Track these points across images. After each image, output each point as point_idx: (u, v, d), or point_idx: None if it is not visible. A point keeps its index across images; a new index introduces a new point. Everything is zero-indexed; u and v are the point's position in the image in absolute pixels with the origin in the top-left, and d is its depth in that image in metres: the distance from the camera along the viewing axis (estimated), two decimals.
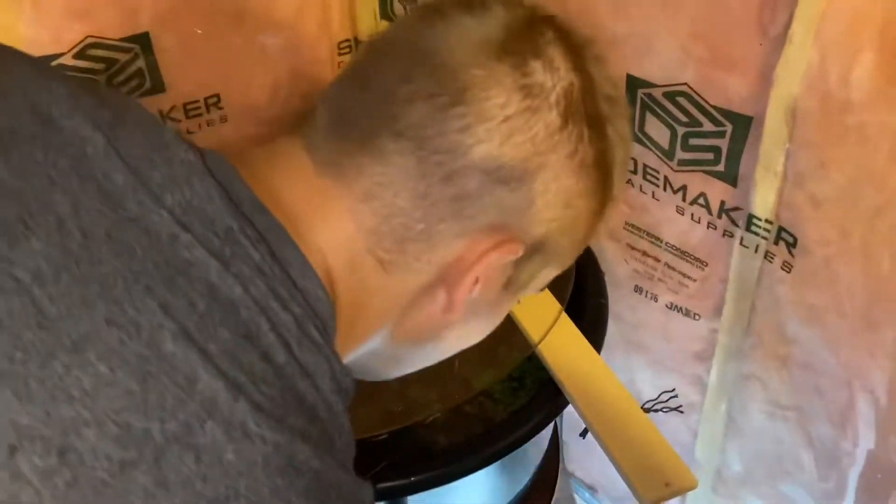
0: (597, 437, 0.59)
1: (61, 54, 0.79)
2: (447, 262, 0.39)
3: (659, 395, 0.64)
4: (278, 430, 0.31)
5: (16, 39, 0.77)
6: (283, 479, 0.31)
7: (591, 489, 1.10)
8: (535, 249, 0.41)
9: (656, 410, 0.62)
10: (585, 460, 1.08)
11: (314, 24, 0.98)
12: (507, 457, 0.63)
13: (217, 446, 0.29)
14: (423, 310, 0.41)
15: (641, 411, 0.60)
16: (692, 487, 0.55)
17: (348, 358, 0.41)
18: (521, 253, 0.40)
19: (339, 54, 1.02)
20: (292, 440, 0.31)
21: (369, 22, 1.02)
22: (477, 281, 0.40)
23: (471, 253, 0.39)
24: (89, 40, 0.81)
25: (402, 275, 0.39)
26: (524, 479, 0.79)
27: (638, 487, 0.55)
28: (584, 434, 0.60)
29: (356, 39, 1.03)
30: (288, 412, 0.32)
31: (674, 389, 0.73)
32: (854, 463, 0.70)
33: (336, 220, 0.38)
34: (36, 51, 0.78)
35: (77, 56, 0.81)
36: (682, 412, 0.77)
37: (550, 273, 0.44)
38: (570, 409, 0.65)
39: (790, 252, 0.66)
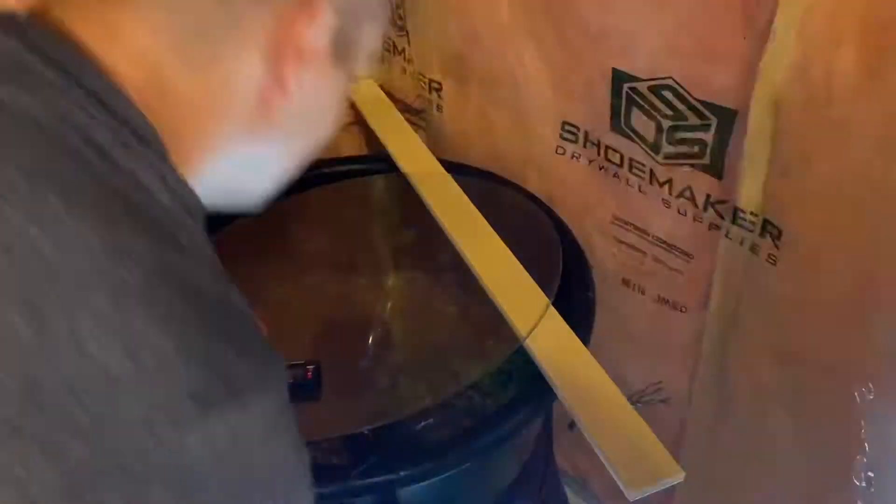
0: (584, 430, 0.60)
1: None
2: (261, 47, 0.38)
3: (646, 388, 0.64)
4: (106, 231, 0.31)
5: None
6: (119, 268, 0.30)
7: (580, 481, 1.10)
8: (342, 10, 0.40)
9: (644, 402, 0.62)
10: (575, 452, 1.09)
11: None
12: (496, 450, 0.63)
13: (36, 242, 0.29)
14: (258, 104, 0.40)
15: (628, 404, 0.61)
16: (678, 479, 0.56)
17: (206, 182, 0.40)
18: (328, 16, 0.39)
19: None
20: (121, 237, 0.31)
21: None
22: (299, 56, 0.39)
23: (281, 29, 0.38)
24: None
25: (220, 73, 0.38)
26: (514, 471, 0.79)
27: (624, 479, 0.55)
28: (571, 426, 0.60)
29: None
30: (111, 212, 0.31)
31: (660, 381, 0.74)
32: (842, 452, 0.70)
33: (133, 38, 0.36)
34: None
35: None
36: (668, 404, 0.78)
37: (372, 30, 0.43)
38: (559, 401, 0.65)
39: (775, 244, 0.67)
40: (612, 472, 0.56)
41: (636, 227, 0.80)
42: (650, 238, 0.79)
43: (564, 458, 1.09)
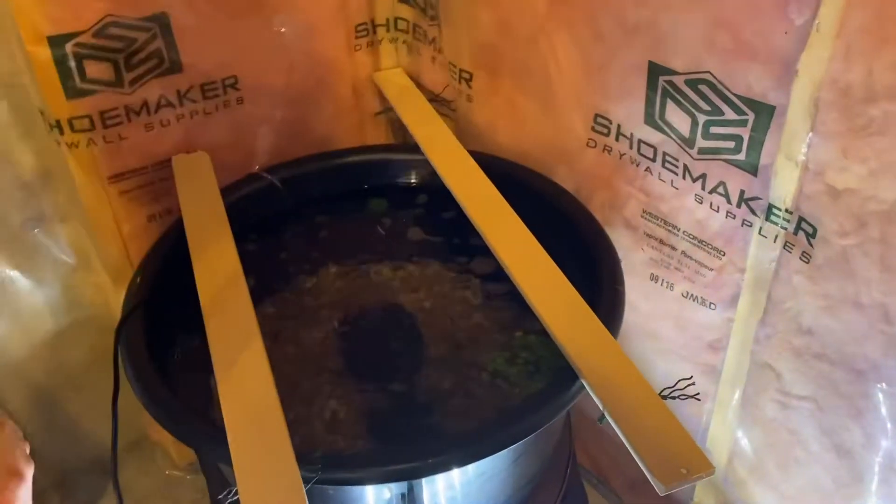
0: (613, 423, 0.59)
1: (81, 32, 0.80)
2: None
3: (676, 383, 0.64)
4: None
5: (39, 16, 0.77)
6: None
7: (599, 477, 1.10)
8: None
9: (674, 398, 0.62)
10: (594, 448, 1.08)
11: (331, 7, 0.98)
12: (520, 442, 0.63)
13: None
14: None
15: (658, 397, 0.60)
16: (709, 473, 0.55)
17: None
18: None
19: (357, 37, 1.02)
20: None
21: (387, 5, 1.02)
22: None
23: None
24: (109, 19, 0.81)
25: None
26: (537, 464, 0.79)
27: (655, 473, 0.55)
28: (601, 419, 0.60)
29: (373, 22, 1.03)
30: None
31: (691, 377, 0.73)
32: (868, 453, 0.70)
33: None
34: (57, 28, 0.78)
35: (96, 35, 0.81)
36: (699, 399, 0.77)
37: None
38: (582, 395, 0.65)
39: (809, 242, 0.66)
40: (642, 465, 0.56)
41: (667, 222, 0.79)
42: (681, 233, 0.79)
43: (583, 453, 1.09)
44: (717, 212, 0.74)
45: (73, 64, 0.80)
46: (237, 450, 0.58)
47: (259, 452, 0.57)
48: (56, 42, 0.78)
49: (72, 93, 0.81)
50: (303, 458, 0.57)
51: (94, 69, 0.82)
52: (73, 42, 0.79)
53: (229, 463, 0.57)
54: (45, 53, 0.78)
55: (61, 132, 0.83)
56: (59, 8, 0.77)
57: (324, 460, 0.57)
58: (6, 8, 0.76)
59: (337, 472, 0.58)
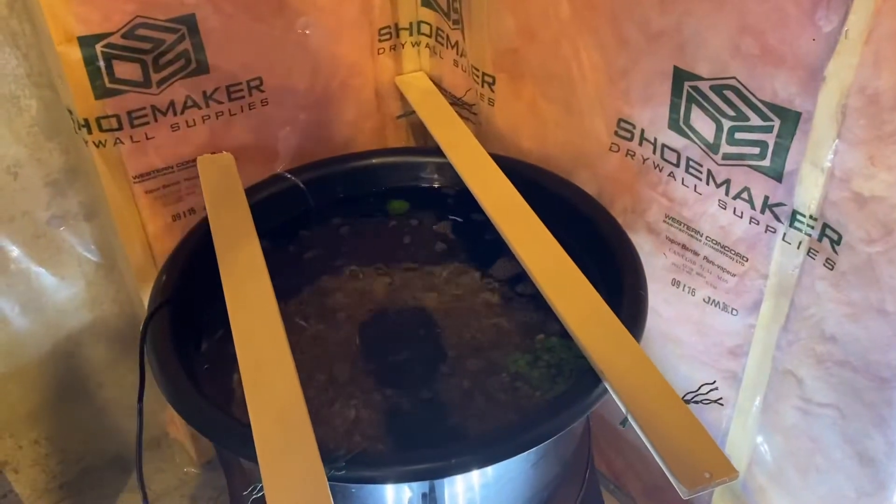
0: (637, 427, 0.59)
1: (111, 33, 0.81)
2: None
3: (699, 388, 0.64)
4: None
5: (69, 17, 0.78)
6: None
7: (616, 483, 1.10)
8: None
9: (696, 402, 0.62)
10: (611, 452, 1.08)
11: (355, 10, 0.99)
12: (541, 445, 0.63)
13: None
14: None
15: (681, 401, 0.60)
16: (732, 478, 0.55)
17: None
18: None
19: (380, 40, 1.03)
20: None
21: (410, 9, 1.03)
22: None
23: None
24: (138, 20, 0.82)
25: None
26: (556, 468, 0.79)
27: (678, 476, 0.55)
28: (624, 423, 0.60)
29: (396, 26, 1.03)
30: None
31: (714, 382, 0.73)
32: (891, 462, 0.69)
33: None
34: (87, 29, 0.79)
35: (125, 36, 0.82)
36: (721, 404, 0.77)
37: None
38: (603, 400, 0.65)
39: (834, 249, 0.66)
40: (665, 469, 0.56)
41: (689, 228, 0.79)
42: (703, 239, 0.79)
43: (600, 458, 1.09)
44: (741, 217, 0.74)
45: (101, 64, 0.81)
46: (262, 446, 0.58)
47: (284, 449, 0.58)
48: (86, 42, 0.79)
49: (100, 92, 0.82)
50: (327, 456, 0.57)
51: (123, 69, 0.83)
52: (102, 43, 0.80)
53: (254, 459, 0.57)
54: (74, 54, 0.79)
55: (89, 131, 0.84)
56: (89, 9, 0.79)
57: (348, 458, 0.57)
58: (37, 9, 0.77)
59: (361, 470, 0.59)
